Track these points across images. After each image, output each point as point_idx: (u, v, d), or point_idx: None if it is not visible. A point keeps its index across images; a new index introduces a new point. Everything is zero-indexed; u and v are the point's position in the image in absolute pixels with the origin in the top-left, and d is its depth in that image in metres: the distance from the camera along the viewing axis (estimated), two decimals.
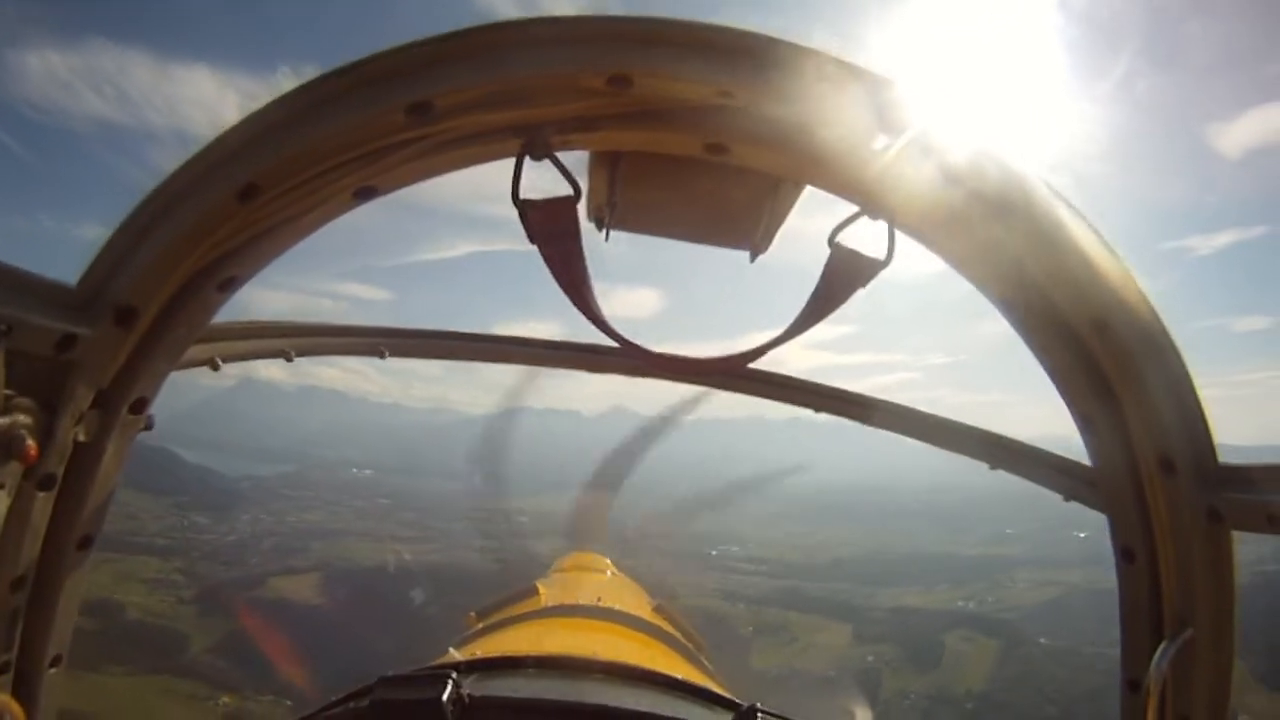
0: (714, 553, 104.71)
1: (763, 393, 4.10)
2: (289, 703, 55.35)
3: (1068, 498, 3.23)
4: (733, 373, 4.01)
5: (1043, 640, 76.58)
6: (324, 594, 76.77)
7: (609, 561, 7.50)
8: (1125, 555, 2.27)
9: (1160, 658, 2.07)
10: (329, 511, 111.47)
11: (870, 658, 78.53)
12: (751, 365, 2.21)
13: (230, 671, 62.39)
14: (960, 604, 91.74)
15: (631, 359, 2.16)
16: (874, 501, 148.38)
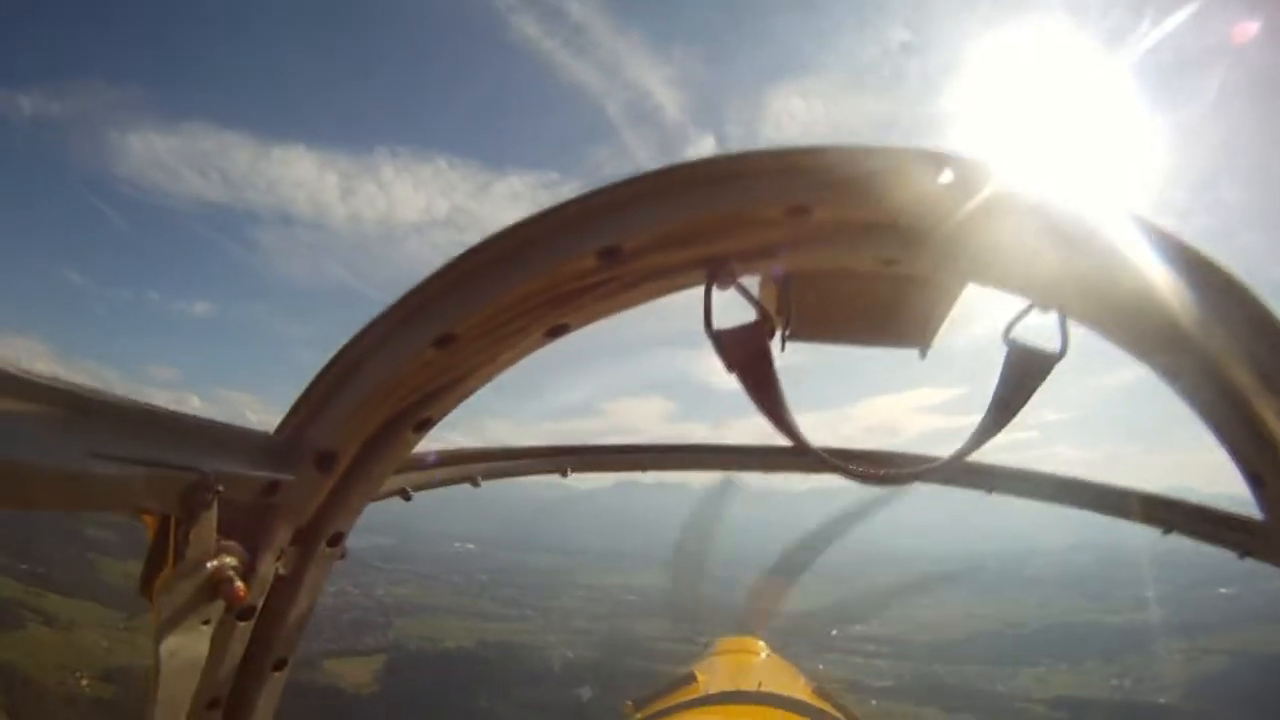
0: (834, 633, 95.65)
1: (980, 484, 4.27)
2: None
3: (1242, 555, 3.26)
4: (934, 474, 3.57)
5: None
6: (380, 681, 72.57)
7: (762, 644, 7.29)
8: None
9: None
10: (422, 586, 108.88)
11: None
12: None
13: None
14: (1115, 683, 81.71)
15: (829, 465, 2.21)
16: (998, 569, 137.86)
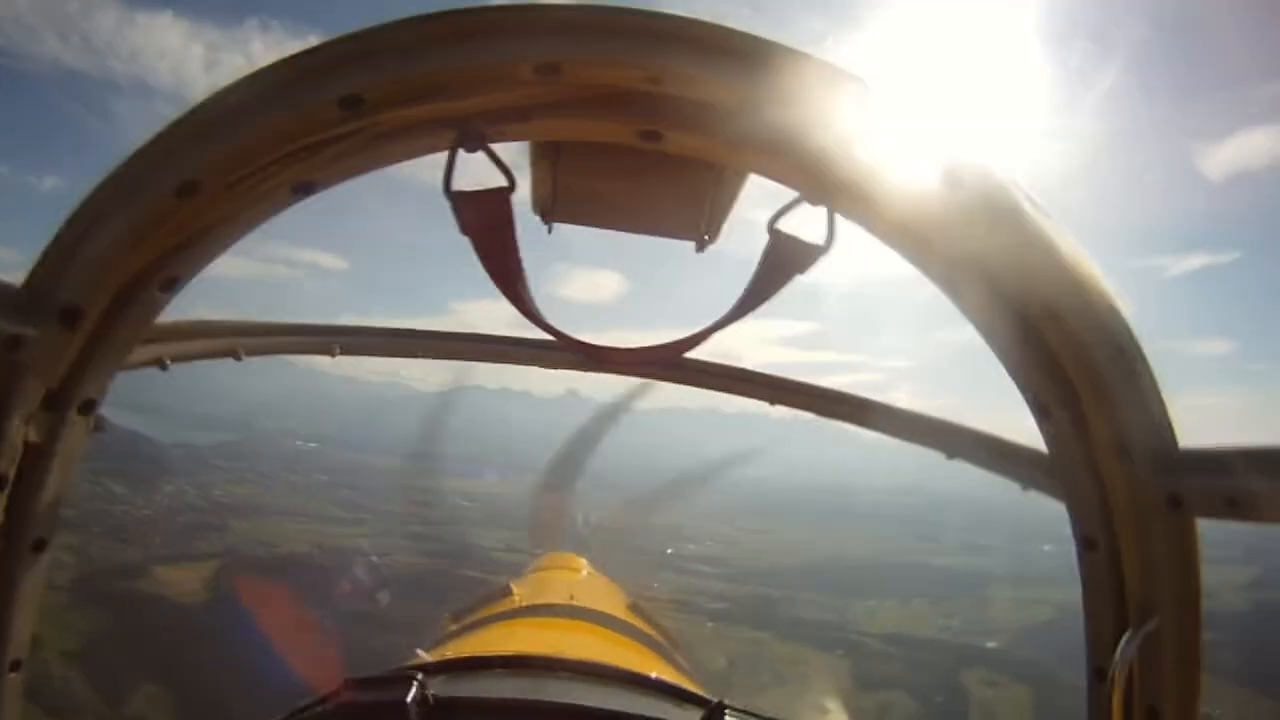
0: (669, 551, 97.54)
1: (708, 384, 4.13)
2: None
3: (1026, 486, 3.25)
4: (671, 363, 3.90)
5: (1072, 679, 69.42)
6: (210, 589, 67.94)
7: (584, 561, 7.60)
8: (1086, 543, 2.27)
9: (1124, 647, 2.06)
10: (261, 486, 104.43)
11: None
12: (692, 355, 2.24)
13: (76, 689, 52.29)
14: (945, 623, 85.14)
15: (569, 353, 2.22)
16: (832, 502, 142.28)
